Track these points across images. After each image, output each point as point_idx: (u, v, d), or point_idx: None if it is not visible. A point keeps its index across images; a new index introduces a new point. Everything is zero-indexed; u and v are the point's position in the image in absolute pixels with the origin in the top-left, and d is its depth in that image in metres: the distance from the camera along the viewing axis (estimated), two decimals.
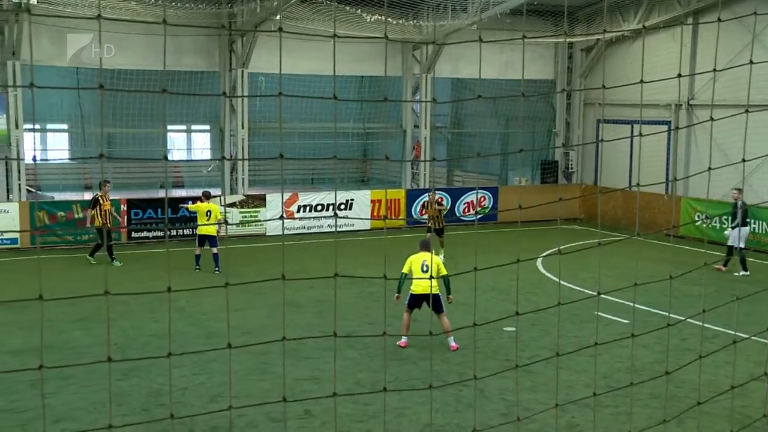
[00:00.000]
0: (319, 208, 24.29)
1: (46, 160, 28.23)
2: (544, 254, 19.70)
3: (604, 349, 11.81)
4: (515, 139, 28.98)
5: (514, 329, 12.87)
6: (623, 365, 11.59)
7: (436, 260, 13.03)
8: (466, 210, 26.29)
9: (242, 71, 23.74)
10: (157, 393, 10.48)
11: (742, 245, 18.42)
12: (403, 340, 12.54)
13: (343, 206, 24.54)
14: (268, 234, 23.35)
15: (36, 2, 18.79)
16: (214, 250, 18.17)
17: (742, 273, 18.06)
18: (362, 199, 24.86)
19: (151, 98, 24.48)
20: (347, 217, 24.17)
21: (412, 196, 25.77)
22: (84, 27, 20.39)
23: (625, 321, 13.30)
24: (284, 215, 23.81)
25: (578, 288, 15.73)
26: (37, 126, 25.30)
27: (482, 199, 26.77)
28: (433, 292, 12.33)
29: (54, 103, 26.40)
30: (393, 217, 25.30)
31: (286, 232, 23.67)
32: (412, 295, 12.48)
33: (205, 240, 18.28)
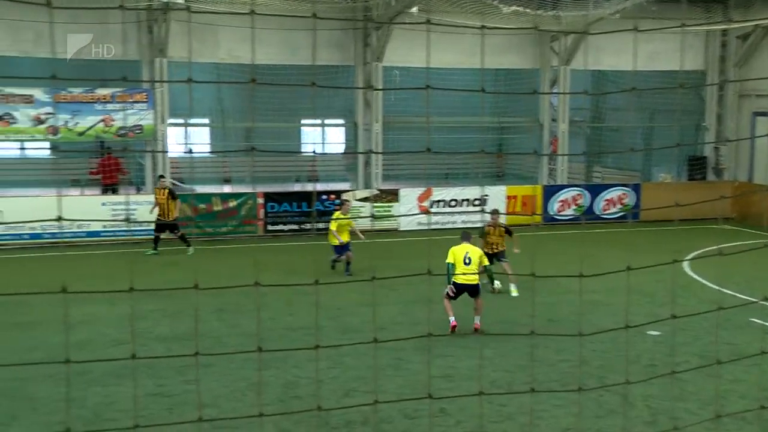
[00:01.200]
0: (452, 203, 24.37)
1: (189, 152, 29.72)
2: (693, 255, 18.92)
3: (762, 359, 11.21)
4: (660, 133, 27.98)
5: (659, 333, 12.43)
6: None
7: (477, 252, 13.51)
8: (605, 207, 25.77)
9: (377, 65, 24.15)
10: (292, 385, 10.80)
11: None
12: (452, 320, 12.98)
13: (477, 202, 24.53)
14: (401, 229, 23.65)
15: (183, 0, 19.78)
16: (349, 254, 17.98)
17: None
18: (497, 194, 24.74)
19: (286, 93, 25.19)
20: (483, 211, 24.05)
21: (549, 191, 25.61)
22: (229, 23, 21.33)
23: None
24: (429, 210, 24.03)
25: (730, 292, 14.99)
26: (180, 120, 26.60)
27: (624, 196, 26.18)
28: (475, 282, 13.22)
29: (196, 98, 27.67)
30: (529, 212, 25.19)
31: (418, 227, 23.88)
32: (454, 283, 13.18)
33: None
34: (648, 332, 12.70)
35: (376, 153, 24.80)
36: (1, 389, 10.44)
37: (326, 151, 32.93)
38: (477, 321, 13.22)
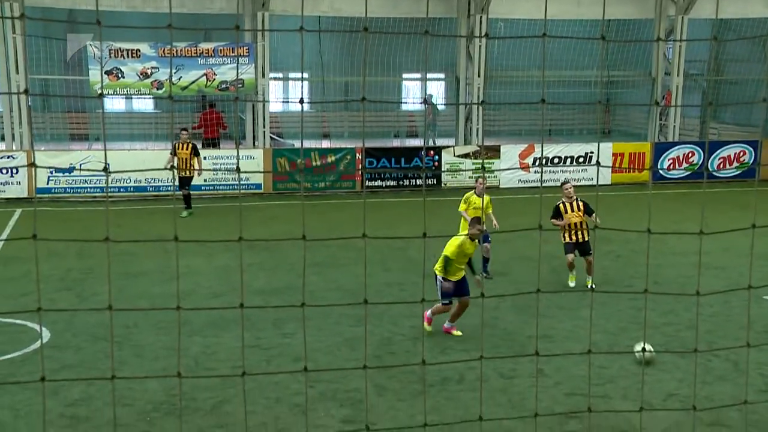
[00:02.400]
0: (556, 160, 24.07)
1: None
2: None
3: None
4: None
5: None
6: None
7: (454, 241, 11.08)
8: (720, 165, 25.09)
9: (481, 17, 23.92)
10: (387, 341, 10.98)
11: None
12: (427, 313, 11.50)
13: (582, 159, 24.22)
14: (501, 186, 23.58)
15: None
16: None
17: None
18: (603, 151, 24.51)
19: (387, 46, 25.47)
20: (585, 170, 24.08)
21: (659, 149, 25.17)
22: None
23: None
24: (541, 165, 23.82)
25: None
26: (280, 75, 27.21)
27: (741, 153, 25.47)
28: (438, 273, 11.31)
29: (296, 53, 28.18)
30: (637, 171, 24.96)
31: (519, 185, 23.79)
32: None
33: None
34: (764, 297, 12.28)
35: (481, 104, 24.74)
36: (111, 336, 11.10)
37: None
38: (447, 324, 11.46)
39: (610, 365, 9.84)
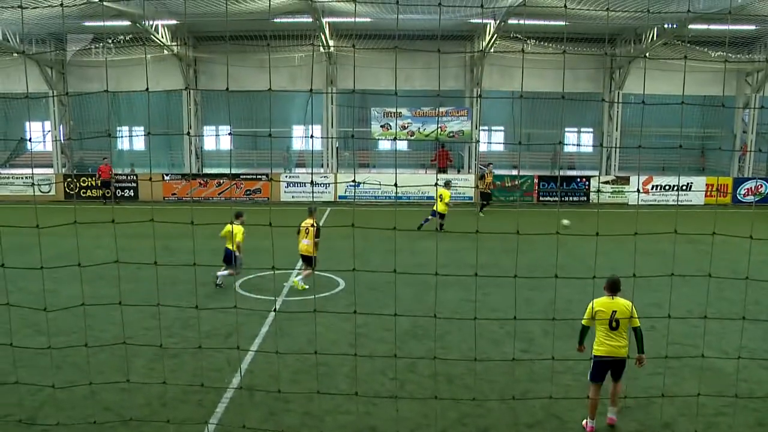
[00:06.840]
0: (666, 187, 30.89)
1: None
2: None
3: None
4: None
5: None
6: None
7: (625, 305, 8.15)
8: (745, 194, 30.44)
9: (618, 92, 31.17)
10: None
11: None
12: (589, 423, 8.33)
13: (684, 188, 30.91)
14: (629, 203, 30.38)
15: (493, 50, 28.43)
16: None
17: None
18: (699, 183, 30.73)
19: (553, 110, 32.82)
20: (686, 195, 30.39)
21: (738, 181, 30.84)
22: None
23: None
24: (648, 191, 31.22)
25: None
26: (485, 127, 34.44)
27: (759, 186, 30.54)
28: (621, 355, 8.14)
29: (496, 114, 34.48)
30: (722, 196, 30.58)
31: (642, 203, 30.38)
32: (595, 358, 8.28)
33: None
34: None
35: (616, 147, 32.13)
36: None
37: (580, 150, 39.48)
38: (612, 414, 8.47)
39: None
